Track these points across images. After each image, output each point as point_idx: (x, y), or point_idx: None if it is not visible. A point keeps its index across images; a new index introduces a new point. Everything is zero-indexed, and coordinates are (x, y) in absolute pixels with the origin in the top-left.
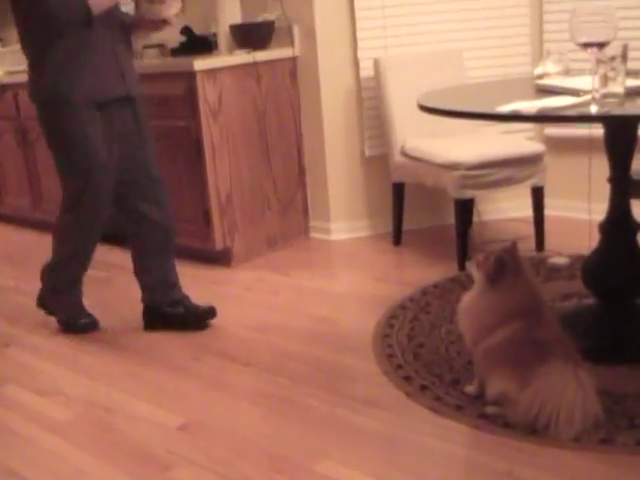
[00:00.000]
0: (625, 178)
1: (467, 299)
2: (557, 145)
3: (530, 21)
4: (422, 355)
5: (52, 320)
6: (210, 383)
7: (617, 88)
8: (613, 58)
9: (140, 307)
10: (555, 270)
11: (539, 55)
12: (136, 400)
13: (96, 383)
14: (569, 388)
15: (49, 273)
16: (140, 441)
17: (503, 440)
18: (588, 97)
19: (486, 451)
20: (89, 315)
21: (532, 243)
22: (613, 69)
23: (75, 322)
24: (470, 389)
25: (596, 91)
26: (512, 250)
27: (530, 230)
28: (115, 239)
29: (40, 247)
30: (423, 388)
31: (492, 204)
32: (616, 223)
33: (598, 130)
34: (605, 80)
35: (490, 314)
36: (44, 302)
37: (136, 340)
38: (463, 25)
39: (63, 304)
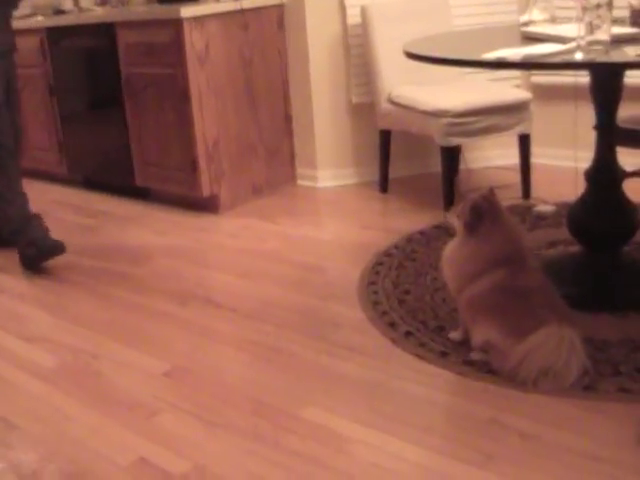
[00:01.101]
0: (611, 126)
1: (449, 249)
2: (544, 93)
3: None
4: (407, 302)
5: (40, 268)
6: (195, 329)
7: (603, 36)
8: (599, 5)
9: (127, 253)
10: (541, 218)
11: (526, 3)
12: (122, 347)
13: (82, 330)
14: (561, 349)
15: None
16: (126, 387)
17: (487, 386)
18: (574, 44)
19: (470, 398)
20: (56, 240)
21: (518, 191)
22: (599, 17)
23: (44, 246)
24: (455, 335)
25: (581, 38)
26: (489, 197)
27: (516, 178)
28: (100, 186)
29: (30, 194)
30: (408, 334)
31: (478, 152)
32: (601, 171)
33: (584, 78)
34: (591, 28)
35: (472, 262)
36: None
37: (122, 287)
38: None
39: (31, 238)
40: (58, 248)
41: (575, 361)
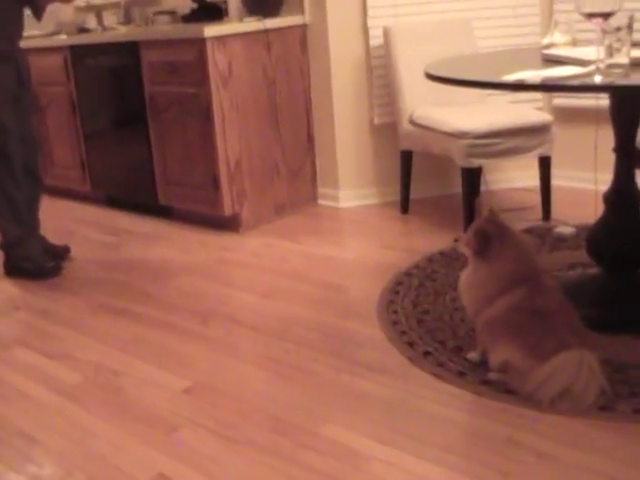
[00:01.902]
0: (630, 148)
1: (464, 275)
2: (565, 115)
3: None
4: (426, 322)
5: (61, 284)
6: (217, 347)
7: (622, 59)
8: (619, 28)
9: (149, 271)
10: (561, 240)
11: (549, 25)
12: (143, 363)
13: (104, 347)
14: (581, 372)
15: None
16: (147, 404)
17: (504, 406)
18: (593, 67)
19: (487, 417)
20: (53, 260)
21: (539, 212)
22: (619, 40)
23: (42, 267)
24: (473, 356)
25: (601, 61)
26: (493, 218)
27: (537, 200)
28: (123, 204)
29: (53, 212)
30: (426, 354)
31: (500, 173)
32: (620, 193)
33: (605, 101)
34: (610, 50)
35: (487, 286)
36: (5, 259)
37: (144, 304)
38: None
39: (28, 254)
40: (53, 272)
41: (594, 384)
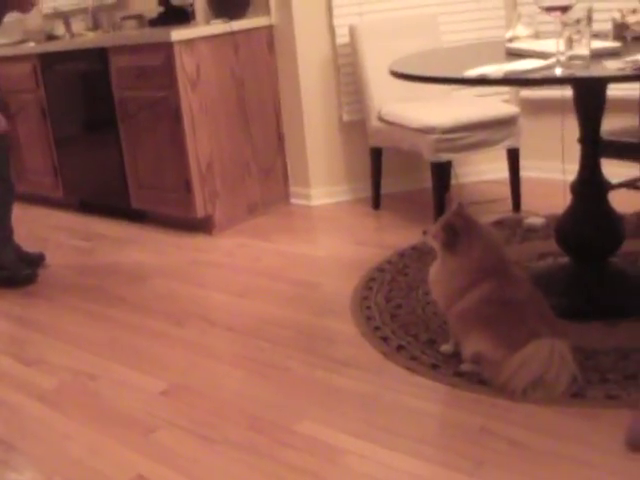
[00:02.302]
0: (595, 139)
1: (433, 269)
2: (531, 107)
3: None
4: (399, 316)
5: (36, 290)
6: (192, 348)
7: (582, 50)
8: (578, 21)
9: (123, 274)
10: (532, 230)
11: (512, 19)
12: (120, 366)
13: (80, 351)
14: (553, 361)
15: None
16: (124, 406)
17: (477, 397)
18: (554, 60)
19: (461, 408)
20: (28, 267)
21: (509, 204)
22: (578, 32)
23: (17, 275)
24: (446, 348)
25: (562, 54)
26: (460, 212)
27: (507, 192)
28: (96, 209)
29: (26, 219)
30: (400, 348)
31: (469, 167)
32: (586, 183)
33: (570, 92)
34: (570, 42)
35: (456, 279)
36: None
37: (119, 308)
38: None
39: (1, 262)
40: (28, 280)
41: (566, 372)
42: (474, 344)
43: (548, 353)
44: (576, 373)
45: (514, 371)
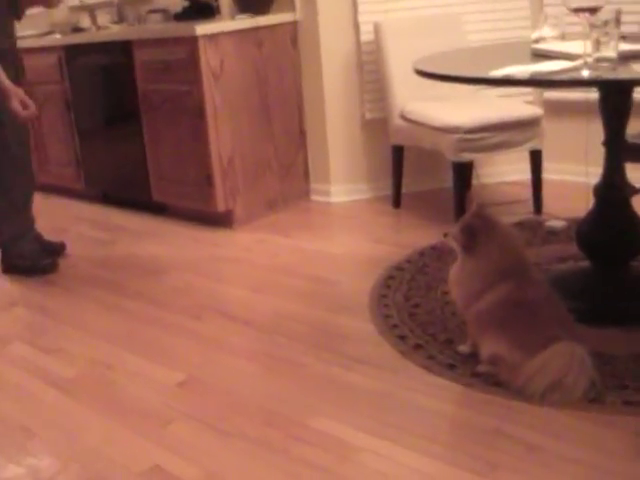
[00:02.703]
0: (619, 142)
1: (453, 270)
2: (555, 109)
3: None
4: (417, 315)
5: (57, 280)
6: (209, 341)
7: (610, 52)
8: (606, 22)
9: (142, 267)
10: (552, 233)
11: (538, 19)
12: (137, 358)
13: (99, 341)
14: (572, 365)
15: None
16: (141, 397)
17: (493, 398)
18: (581, 61)
19: (476, 408)
20: (49, 257)
21: (530, 206)
22: (606, 33)
23: (37, 264)
24: (463, 349)
25: (589, 55)
26: (480, 213)
27: (528, 193)
28: (117, 201)
29: (48, 209)
30: (417, 347)
31: (491, 167)
32: (610, 187)
33: (595, 94)
34: (598, 44)
35: (475, 280)
36: (2, 257)
37: (138, 300)
38: None
39: (23, 252)
40: (49, 269)
41: (584, 377)
42: (491, 346)
43: (567, 357)
44: (594, 378)
45: (533, 374)
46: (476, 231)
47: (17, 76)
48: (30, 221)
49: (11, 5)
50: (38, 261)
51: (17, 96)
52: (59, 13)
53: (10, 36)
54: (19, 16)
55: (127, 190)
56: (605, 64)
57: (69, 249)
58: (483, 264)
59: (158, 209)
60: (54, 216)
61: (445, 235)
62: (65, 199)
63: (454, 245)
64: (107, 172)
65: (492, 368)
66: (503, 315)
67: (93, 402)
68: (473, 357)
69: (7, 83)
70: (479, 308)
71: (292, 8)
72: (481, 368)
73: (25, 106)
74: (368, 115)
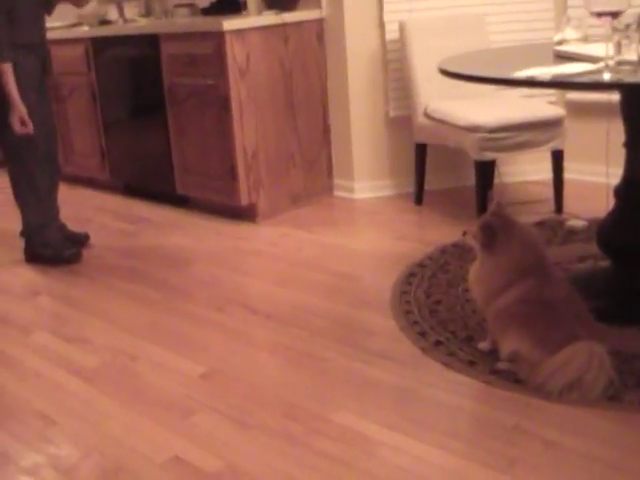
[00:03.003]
0: (639, 143)
1: (473, 269)
2: (577, 109)
3: None
4: (438, 312)
5: (80, 270)
6: (231, 334)
7: (631, 56)
8: (628, 26)
9: (166, 258)
10: (573, 233)
11: (562, 21)
12: (160, 349)
13: (122, 332)
14: (592, 364)
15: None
16: (163, 388)
17: (513, 395)
18: (603, 64)
19: (495, 405)
20: (73, 247)
21: (551, 205)
22: (628, 37)
23: (61, 254)
24: (483, 346)
25: (610, 58)
26: (498, 212)
27: (549, 193)
28: (140, 193)
29: (72, 200)
30: (438, 344)
31: (513, 166)
32: (630, 187)
33: (617, 96)
34: (619, 48)
35: (495, 278)
36: (26, 244)
37: (161, 291)
38: None
39: (46, 240)
40: (73, 259)
41: (603, 376)
42: (511, 343)
43: (587, 356)
44: (613, 377)
45: (552, 372)
46: (495, 229)
47: (45, 70)
48: (55, 211)
49: (43, 0)
50: (62, 251)
51: (19, 112)
52: (87, 5)
53: (40, 30)
54: (49, 11)
55: (151, 182)
56: (626, 67)
57: (93, 239)
58: (502, 262)
59: (181, 201)
60: (78, 206)
61: (464, 233)
62: (89, 190)
63: (473, 243)
64: (132, 164)
65: (512, 365)
66: (523, 313)
67: (115, 392)
68: (493, 354)
69: (15, 96)
70: (499, 306)
71: (318, 5)
72: (501, 365)
73: (23, 123)
74: (392, 113)
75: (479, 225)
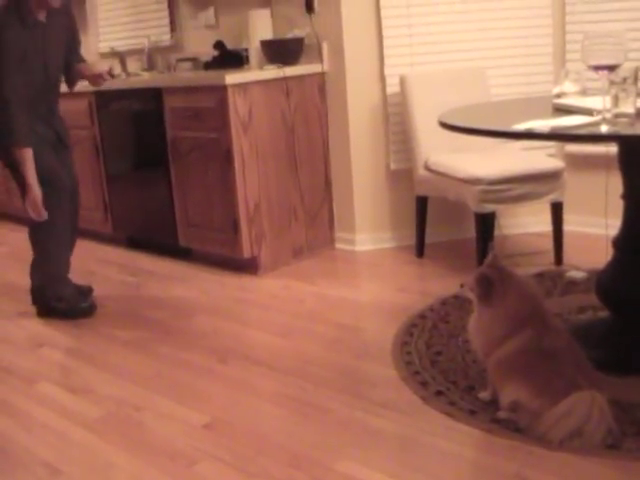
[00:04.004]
0: (637, 195)
1: (472, 320)
2: (576, 162)
3: (553, 40)
4: (439, 362)
5: (84, 322)
6: (235, 385)
7: (628, 108)
8: (625, 79)
9: (169, 310)
10: (573, 284)
11: (560, 74)
12: (164, 399)
13: (126, 382)
14: (592, 413)
15: (37, 270)
16: (167, 438)
17: (514, 444)
18: (600, 117)
19: (497, 454)
20: (87, 299)
21: (551, 257)
22: (624, 90)
23: (75, 307)
24: (484, 395)
25: (608, 111)
26: (494, 264)
27: (549, 244)
28: (143, 245)
29: (75, 252)
30: (439, 393)
31: (513, 218)
32: (628, 239)
33: (615, 148)
34: (617, 100)
35: (493, 329)
36: (38, 298)
37: (164, 342)
38: (487, 44)
39: (61, 294)
40: (89, 312)
41: (604, 425)
42: (511, 393)
43: (588, 406)
44: (612, 425)
45: (554, 422)
46: (491, 281)
47: (59, 139)
48: (68, 266)
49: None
50: (76, 304)
51: (33, 198)
52: (90, 59)
53: (48, 104)
54: (71, 87)
55: (154, 234)
56: (623, 119)
57: (97, 292)
58: (500, 313)
59: (184, 254)
60: (82, 259)
61: (462, 286)
62: (93, 242)
63: (470, 296)
64: (135, 216)
65: (512, 415)
66: (523, 363)
67: (120, 442)
68: (493, 403)
69: (32, 183)
70: (499, 356)
71: (320, 59)
72: (501, 414)
73: (35, 209)
74: (393, 165)
75: (475, 277)
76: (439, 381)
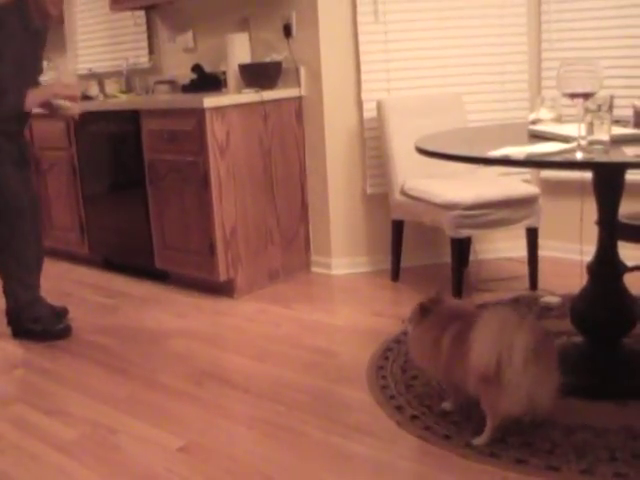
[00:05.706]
0: (612, 221)
1: (413, 349)
2: (551, 188)
3: (529, 67)
4: (414, 387)
5: (59, 344)
6: (210, 408)
7: (603, 136)
8: (599, 107)
9: (145, 333)
10: (548, 309)
11: (536, 101)
12: (139, 422)
13: (101, 405)
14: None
15: (9, 295)
16: (142, 461)
17: (488, 468)
18: (575, 144)
19: (472, 478)
20: (62, 321)
21: (526, 282)
22: (599, 117)
23: (51, 329)
24: (445, 405)
25: (583, 138)
26: (435, 297)
27: (524, 270)
28: (119, 267)
29: (51, 273)
30: (414, 418)
31: (488, 243)
32: (603, 264)
33: (590, 174)
34: (592, 128)
35: (429, 336)
36: (14, 320)
37: (140, 365)
38: (464, 70)
39: (37, 315)
40: (64, 333)
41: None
42: (470, 378)
43: (498, 324)
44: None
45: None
46: (424, 306)
47: (21, 156)
48: (38, 285)
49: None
50: (52, 326)
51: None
52: (68, 80)
53: (18, 120)
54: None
55: (130, 257)
56: (598, 147)
57: (72, 313)
58: (433, 321)
59: (160, 276)
60: (58, 280)
61: (403, 322)
62: (69, 263)
63: (409, 327)
64: (111, 238)
65: (452, 405)
66: (463, 348)
67: (95, 465)
68: (468, 430)
69: (44, 97)
70: (443, 357)
71: (297, 84)
72: (476, 441)
73: (67, 90)
74: (369, 190)
75: (413, 309)
76: (414, 405)
